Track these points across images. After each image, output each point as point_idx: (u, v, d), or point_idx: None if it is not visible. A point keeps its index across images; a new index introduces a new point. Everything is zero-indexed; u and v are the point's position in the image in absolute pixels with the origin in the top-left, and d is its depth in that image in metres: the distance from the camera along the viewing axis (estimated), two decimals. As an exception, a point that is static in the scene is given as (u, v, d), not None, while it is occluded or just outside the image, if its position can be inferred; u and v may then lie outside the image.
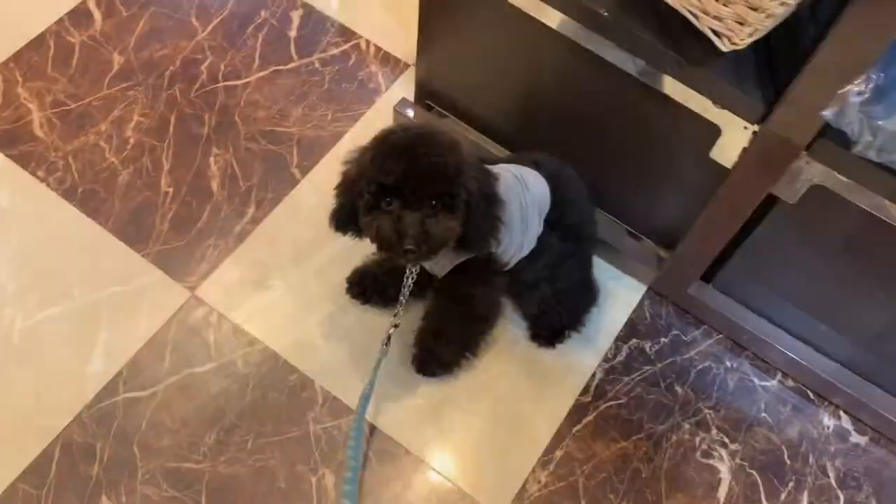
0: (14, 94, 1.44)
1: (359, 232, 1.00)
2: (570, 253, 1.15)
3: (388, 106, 1.49)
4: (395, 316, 1.14)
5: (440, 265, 1.05)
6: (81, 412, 1.18)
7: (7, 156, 1.37)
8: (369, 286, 1.28)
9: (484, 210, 0.94)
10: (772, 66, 0.97)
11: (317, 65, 1.53)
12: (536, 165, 1.11)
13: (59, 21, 1.52)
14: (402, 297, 1.11)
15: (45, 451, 1.15)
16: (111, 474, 1.14)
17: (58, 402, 1.19)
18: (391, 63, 1.55)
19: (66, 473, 1.14)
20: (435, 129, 0.93)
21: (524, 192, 1.05)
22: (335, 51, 1.55)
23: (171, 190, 1.37)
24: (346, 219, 1.00)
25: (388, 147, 0.90)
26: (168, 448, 1.17)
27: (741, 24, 0.83)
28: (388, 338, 1.15)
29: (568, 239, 1.13)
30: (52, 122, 1.42)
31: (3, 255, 1.29)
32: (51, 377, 1.20)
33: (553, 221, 1.10)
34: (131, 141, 1.41)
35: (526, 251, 1.09)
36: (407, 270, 1.09)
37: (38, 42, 1.50)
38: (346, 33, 1.57)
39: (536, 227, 1.08)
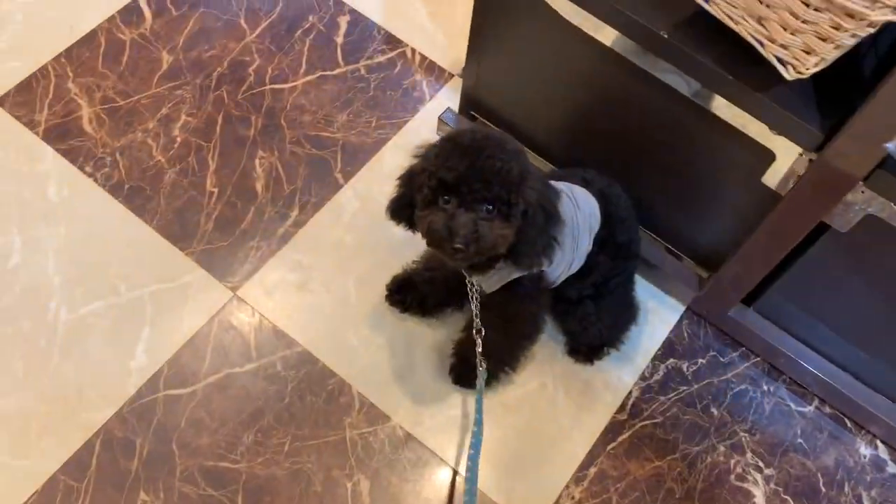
0: (65, 89, 1.46)
1: (412, 224, 1.01)
2: (616, 271, 1.15)
3: (432, 115, 1.50)
4: (475, 331, 1.13)
5: (491, 281, 1.05)
6: (123, 407, 1.20)
7: (56, 150, 1.39)
8: (409, 295, 1.29)
9: (541, 225, 0.94)
10: (831, 95, 0.97)
11: (362, 71, 1.54)
12: (585, 183, 1.12)
13: (111, 18, 1.54)
14: (474, 310, 1.11)
15: (86, 444, 1.17)
16: (150, 470, 1.16)
17: (100, 395, 1.20)
18: (436, 72, 1.55)
19: (106, 467, 1.15)
20: (504, 137, 0.93)
21: (575, 210, 1.05)
22: (381, 58, 1.56)
23: (216, 190, 1.38)
24: (402, 209, 1.00)
25: (454, 145, 0.91)
26: (206, 446, 1.18)
27: (808, 53, 0.83)
28: (479, 353, 1.14)
29: (616, 257, 1.13)
30: (100, 119, 1.44)
31: (50, 247, 1.30)
32: (93, 371, 1.22)
33: (602, 239, 1.10)
34: (178, 140, 1.42)
35: (575, 269, 1.10)
36: (468, 284, 1.10)
37: (90, 38, 1.52)
38: (392, 41, 1.58)
39: (586, 245, 1.08)
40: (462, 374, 1.24)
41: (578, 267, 1.10)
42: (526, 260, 0.97)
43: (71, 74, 1.48)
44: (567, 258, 1.06)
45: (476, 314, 1.11)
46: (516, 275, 1.03)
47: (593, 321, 1.19)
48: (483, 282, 1.07)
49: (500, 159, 0.88)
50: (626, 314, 1.25)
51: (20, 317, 1.24)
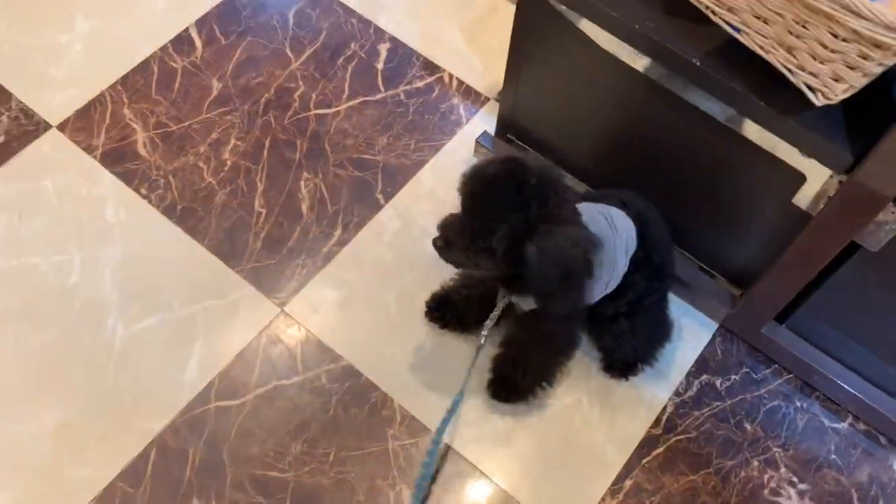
0: (121, 115, 1.54)
1: None
2: (651, 290, 1.19)
3: (469, 137, 1.55)
4: (482, 341, 1.19)
5: (526, 299, 1.09)
6: (176, 417, 1.25)
7: (113, 172, 1.47)
8: (448, 311, 1.33)
9: (551, 280, 0.96)
10: (860, 118, 1.00)
11: (402, 96, 1.60)
12: (623, 204, 1.16)
13: (164, 47, 1.62)
14: (489, 321, 1.16)
15: (142, 452, 1.22)
16: (202, 478, 1.21)
17: (155, 406, 1.26)
18: (472, 96, 1.61)
19: (161, 475, 1.21)
20: (507, 184, 0.95)
21: (613, 234, 1.09)
22: (419, 83, 1.62)
23: (264, 211, 1.45)
24: None
25: (472, 173, 0.98)
26: (255, 456, 1.23)
27: (837, 80, 0.87)
28: (474, 359, 1.21)
29: (651, 277, 1.17)
30: (154, 143, 1.51)
31: (107, 265, 1.37)
32: (149, 383, 1.28)
33: (638, 260, 1.14)
34: (228, 163, 1.49)
35: (611, 288, 1.14)
36: (498, 297, 1.15)
37: (144, 66, 1.60)
38: (431, 67, 1.64)
39: (622, 266, 1.12)
40: (500, 389, 1.28)
41: (614, 287, 1.14)
42: (541, 304, 1.04)
43: (126, 101, 1.55)
44: (604, 279, 1.10)
45: (493, 318, 1.16)
46: None
47: (628, 338, 1.23)
48: (520, 301, 1.11)
49: (483, 203, 0.96)
50: (660, 331, 1.29)
51: (80, 332, 1.31)
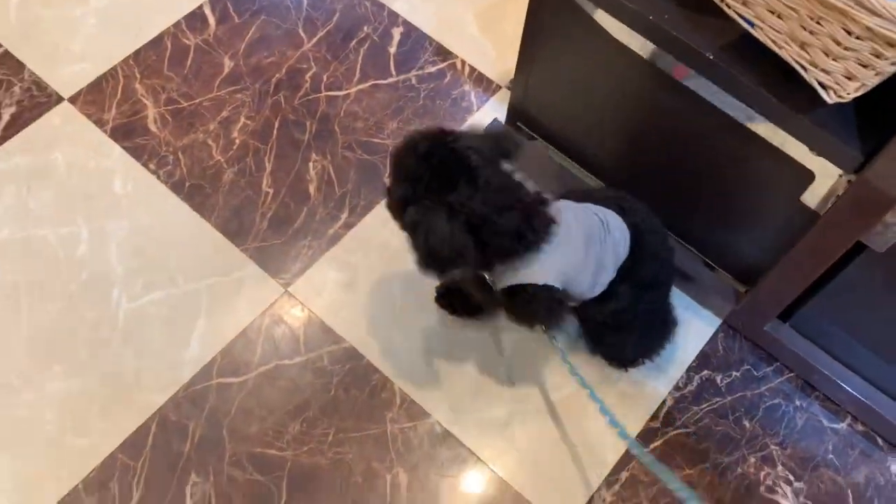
0: (132, 90, 1.54)
1: None
2: (639, 300, 1.17)
3: (479, 124, 1.55)
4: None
5: (500, 278, 1.08)
6: (178, 392, 1.26)
7: (123, 147, 1.47)
8: (455, 297, 1.33)
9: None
10: (871, 117, 0.99)
11: (413, 81, 1.59)
12: (622, 211, 1.14)
13: (177, 24, 1.62)
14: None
15: (143, 426, 1.23)
16: (201, 453, 1.22)
17: (156, 380, 1.27)
18: (484, 84, 1.60)
19: (161, 449, 1.22)
20: (418, 152, 1.00)
21: (605, 235, 1.08)
22: (431, 69, 1.61)
23: (271, 191, 1.45)
24: None
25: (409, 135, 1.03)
26: (255, 434, 1.24)
27: (849, 78, 0.86)
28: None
29: (639, 287, 1.15)
30: (164, 119, 1.51)
31: (114, 238, 1.38)
32: (151, 357, 1.29)
33: (625, 270, 1.12)
34: (237, 141, 1.50)
35: (596, 293, 1.12)
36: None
37: (157, 42, 1.60)
38: (443, 53, 1.63)
39: (610, 274, 1.11)
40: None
41: (599, 292, 1.12)
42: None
43: (138, 76, 1.56)
44: (587, 281, 1.09)
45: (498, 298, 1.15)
46: (515, 281, 1.06)
47: (619, 346, 1.23)
48: (493, 279, 1.11)
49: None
50: (658, 332, 1.26)
51: (85, 304, 1.32)
